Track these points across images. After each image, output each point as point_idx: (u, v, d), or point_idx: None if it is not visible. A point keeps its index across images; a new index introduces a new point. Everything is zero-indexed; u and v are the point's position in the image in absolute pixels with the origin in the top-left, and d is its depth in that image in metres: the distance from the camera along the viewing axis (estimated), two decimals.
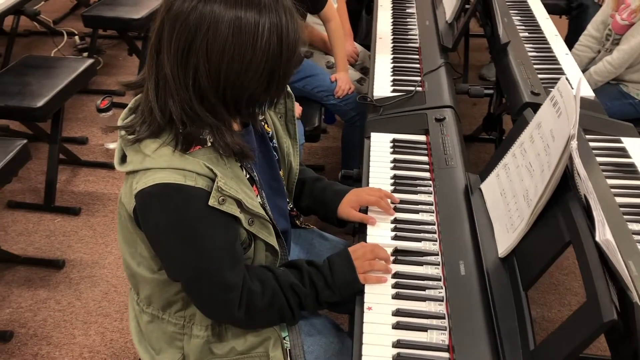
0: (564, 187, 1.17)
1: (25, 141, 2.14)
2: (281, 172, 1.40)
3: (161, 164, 1.07)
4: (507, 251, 1.26)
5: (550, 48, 2.28)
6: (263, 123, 1.33)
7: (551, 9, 3.36)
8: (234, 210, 1.11)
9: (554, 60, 2.19)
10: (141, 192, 1.08)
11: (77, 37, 4.12)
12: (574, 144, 1.07)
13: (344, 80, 2.35)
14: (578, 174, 1.03)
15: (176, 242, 1.11)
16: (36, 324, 2.16)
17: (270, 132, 1.35)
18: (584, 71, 2.46)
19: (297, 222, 1.54)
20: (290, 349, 1.28)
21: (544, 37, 2.37)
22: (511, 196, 1.33)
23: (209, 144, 1.10)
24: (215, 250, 1.11)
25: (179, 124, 1.07)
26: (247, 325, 1.24)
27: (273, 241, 1.24)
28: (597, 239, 0.87)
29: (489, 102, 2.62)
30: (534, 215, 1.21)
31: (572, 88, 1.22)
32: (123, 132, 1.13)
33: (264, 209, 1.21)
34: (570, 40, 3.37)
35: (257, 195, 1.20)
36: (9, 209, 2.69)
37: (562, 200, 1.16)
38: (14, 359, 2.03)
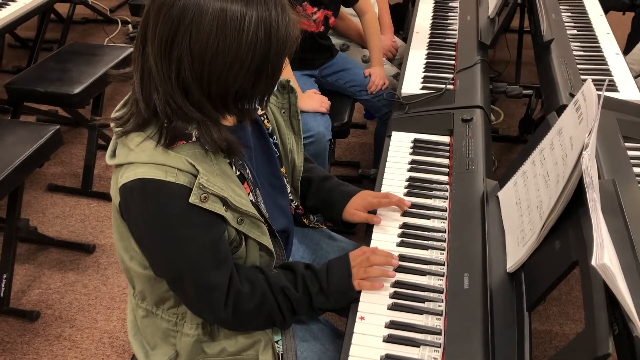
0: (579, 200, 1.07)
1: (58, 127, 2.18)
2: (283, 169, 1.36)
3: (143, 158, 1.04)
4: (515, 266, 1.18)
5: (599, 47, 2.13)
6: (263, 118, 1.29)
7: (613, 5, 3.16)
8: (218, 208, 1.07)
9: (601, 60, 2.04)
10: (123, 187, 1.06)
11: (130, 26, 4.20)
12: (586, 154, 0.97)
13: (378, 75, 2.27)
14: (592, 187, 0.93)
15: (157, 239, 1.08)
16: (62, 306, 2.21)
17: (270, 128, 1.30)
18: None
19: (304, 220, 1.49)
20: (282, 353, 1.24)
21: (594, 35, 2.22)
22: (526, 207, 1.23)
23: (194, 139, 1.06)
24: (196, 249, 1.08)
25: (163, 117, 1.04)
26: (234, 327, 1.20)
27: (266, 241, 1.19)
28: (592, 262, 0.78)
29: (527, 103, 2.48)
30: (545, 229, 1.12)
31: (600, 92, 1.12)
32: (113, 124, 1.12)
33: (257, 207, 1.17)
34: (633, 39, 3.16)
35: (248, 193, 1.16)
36: (49, 192, 2.76)
37: (575, 216, 1.06)
38: (38, 339, 2.08)
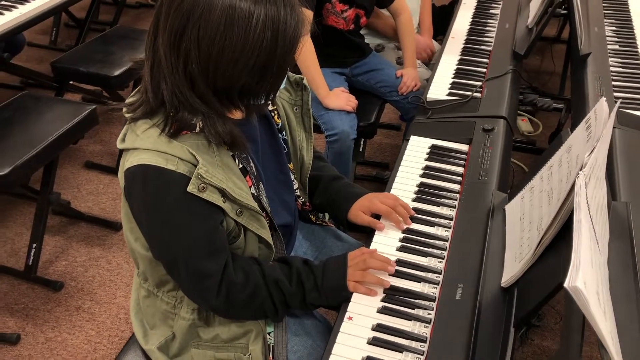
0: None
1: (94, 107, 2.26)
2: (291, 165, 1.37)
3: (147, 145, 1.07)
4: (510, 281, 1.16)
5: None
6: (273, 114, 1.31)
7: None
8: (216, 199, 1.09)
9: (639, 78, 1.98)
10: (127, 171, 1.10)
11: None
12: (582, 173, 0.95)
13: (410, 76, 2.26)
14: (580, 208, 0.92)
15: (154, 224, 1.11)
16: (85, 279, 2.29)
17: (280, 124, 1.32)
18: None
19: (311, 217, 1.50)
20: (273, 345, 1.26)
21: (637, 52, 2.14)
22: (528, 222, 1.21)
23: (198, 130, 1.09)
24: (191, 236, 1.10)
25: (170, 107, 1.07)
26: (226, 315, 1.23)
27: (265, 234, 1.21)
28: (565, 284, 0.77)
29: (559, 117, 2.42)
30: (541, 246, 1.10)
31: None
32: (125, 110, 1.15)
33: (259, 200, 1.19)
34: None
35: (250, 186, 1.18)
36: (86, 169, 2.86)
37: (569, 235, 1.04)
38: (59, 308, 2.17)
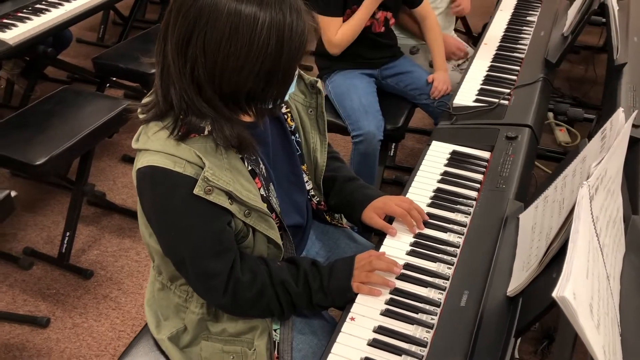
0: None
1: (128, 102, 2.32)
2: (304, 167, 1.38)
3: (156, 146, 1.10)
4: (516, 291, 1.15)
5: None
6: (286, 117, 1.32)
7: None
8: (223, 201, 1.11)
9: None
10: (138, 171, 1.13)
11: None
12: (586, 184, 0.93)
13: (441, 80, 2.25)
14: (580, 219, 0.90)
15: (161, 224, 1.14)
16: (114, 269, 2.36)
17: (293, 126, 1.34)
18: None
19: (327, 217, 1.51)
20: (278, 342, 1.28)
21: None
22: (538, 232, 1.20)
23: (206, 133, 1.11)
24: (197, 237, 1.12)
25: (178, 111, 1.09)
26: (233, 312, 1.25)
27: (274, 234, 1.22)
28: (553, 293, 0.76)
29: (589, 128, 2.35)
30: (547, 257, 1.08)
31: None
32: (139, 111, 1.18)
33: (268, 202, 1.21)
34: None
35: (259, 188, 1.20)
36: (123, 162, 2.95)
37: None
38: (88, 295, 2.25)
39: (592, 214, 0.95)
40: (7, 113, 2.38)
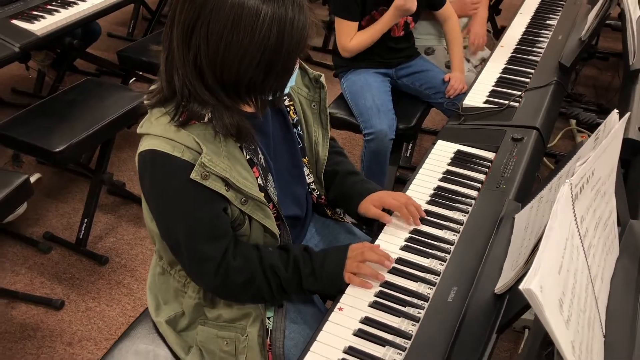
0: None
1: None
2: (305, 160, 1.41)
3: (157, 131, 1.14)
4: (503, 288, 1.15)
5: None
6: (289, 109, 1.35)
7: None
8: (219, 187, 1.14)
9: None
10: (139, 154, 1.17)
11: None
12: (568, 182, 0.94)
13: (458, 80, 2.25)
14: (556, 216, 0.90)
15: (159, 207, 1.18)
16: (129, 257, 2.43)
17: (296, 119, 1.36)
18: None
19: (327, 211, 1.53)
20: (271, 329, 1.30)
21: None
22: (530, 232, 1.20)
23: (206, 120, 1.14)
24: (192, 221, 1.16)
25: (180, 97, 1.12)
26: (224, 297, 1.28)
27: (270, 224, 1.25)
28: (520, 286, 0.77)
29: None
30: (533, 256, 1.08)
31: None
32: (145, 97, 1.22)
33: (266, 191, 1.23)
34: None
35: (257, 177, 1.23)
36: None
37: None
38: (102, 281, 2.31)
39: (574, 212, 0.96)
40: (37, 102, 2.46)
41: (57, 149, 2.09)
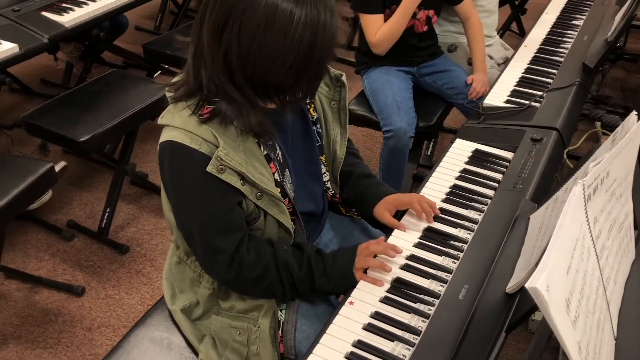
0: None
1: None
2: (323, 158, 1.42)
3: (177, 123, 1.15)
4: (514, 288, 1.15)
5: None
6: (309, 107, 1.36)
7: None
8: (235, 181, 1.15)
9: None
10: (160, 145, 1.19)
11: None
12: (580, 182, 0.93)
13: (480, 81, 2.24)
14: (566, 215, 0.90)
15: (176, 197, 1.20)
16: (149, 247, 2.47)
17: (315, 117, 1.37)
18: None
19: (341, 209, 1.54)
20: (283, 322, 1.32)
21: None
22: (543, 232, 1.19)
23: (227, 117, 1.14)
24: (207, 213, 1.17)
25: (206, 92, 1.13)
26: (236, 289, 1.30)
27: (285, 219, 1.26)
28: (526, 284, 0.77)
29: None
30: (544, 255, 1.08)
31: None
32: (167, 89, 1.24)
33: (282, 187, 1.25)
34: None
35: (274, 173, 1.24)
36: None
37: None
38: (122, 269, 2.36)
39: (586, 213, 0.95)
40: (64, 93, 2.51)
41: (82, 139, 2.13)
